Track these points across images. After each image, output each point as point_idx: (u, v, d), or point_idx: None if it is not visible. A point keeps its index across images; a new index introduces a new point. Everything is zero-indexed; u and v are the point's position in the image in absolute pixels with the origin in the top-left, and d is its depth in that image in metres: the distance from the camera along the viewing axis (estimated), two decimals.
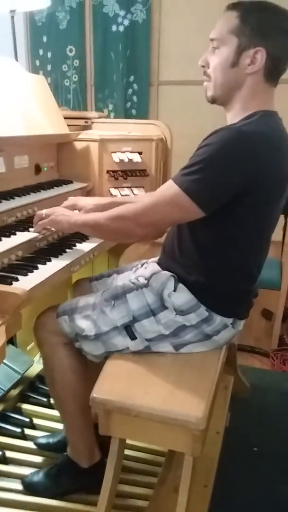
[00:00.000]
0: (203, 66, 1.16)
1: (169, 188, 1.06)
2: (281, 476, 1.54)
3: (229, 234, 1.11)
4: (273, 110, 1.12)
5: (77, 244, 1.41)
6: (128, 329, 1.15)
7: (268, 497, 1.46)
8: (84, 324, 1.18)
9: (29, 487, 1.32)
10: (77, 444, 1.30)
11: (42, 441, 1.48)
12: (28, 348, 1.90)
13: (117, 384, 1.06)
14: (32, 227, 1.35)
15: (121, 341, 1.16)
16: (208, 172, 1.01)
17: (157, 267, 1.25)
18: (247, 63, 1.07)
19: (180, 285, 1.16)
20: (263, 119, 1.07)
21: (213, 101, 1.17)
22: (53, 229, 1.35)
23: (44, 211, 1.31)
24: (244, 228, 1.10)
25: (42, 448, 1.46)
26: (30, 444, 1.50)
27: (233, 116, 1.13)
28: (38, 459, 1.45)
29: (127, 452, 1.42)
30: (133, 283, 1.22)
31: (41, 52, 3.92)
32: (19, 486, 1.34)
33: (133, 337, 1.15)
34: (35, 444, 1.48)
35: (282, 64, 1.09)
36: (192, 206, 1.03)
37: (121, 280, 1.39)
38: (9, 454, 1.45)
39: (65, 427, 1.33)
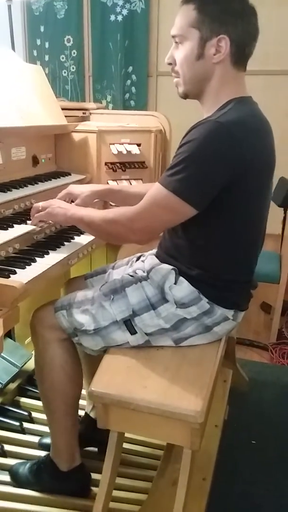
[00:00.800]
0: (170, 64, 1.16)
1: (158, 191, 1.05)
2: (279, 469, 1.55)
3: (222, 226, 1.10)
4: (246, 95, 1.12)
5: (75, 237, 1.40)
6: (128, 324, 1.14)
7: (267, 490, 1.46)
8: (83, 318, 1.17)
9: (14, 477, 1.34)
10: (58, 445, 1.28)
11: (47, 441, 1.47)
12: (26, 341, 1.89)
13: (116, 377, 1.06)
14: (29, 219, 1.34)
15: (120, 335, 1.15)
16: (192, 169, 1.01)
17: (156, 260, 1.24)
18: (212, 52, 1.07)
19: (181, 278, 1.15)
20: (238, 106, 1.06)
21: (185, 96, 1.17)
22: (50, 221, 1.34)
23: (40, 204, 1.29)
24: (236, 218, 1.10)
25: (46, 449, 1.44)
26: (28, 438, 1.50)
27: (208, 108, 1.13)
28: (36, 452, 1.45)
29: (125, 445, 1.41)
30: (131, 276, 1.21)
31: (38, 42, 3.88)
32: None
33: (133, 331, 1.14)
34: (39, 445, 1.48)
35: (247, 48, 1.09)
36: (183, 206, 1.03)
37: (118, 275, 1.38)
38: (7, 447, 1.45)
39: (49, 428, 1.31)
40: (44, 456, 1.34)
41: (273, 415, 1.82)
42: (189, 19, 1.07)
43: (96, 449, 1.44)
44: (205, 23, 1.05)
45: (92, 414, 1.48)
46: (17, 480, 1.33)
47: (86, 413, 1.51)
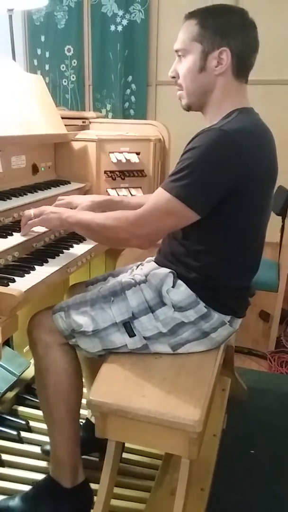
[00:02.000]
0: (173, 77, 1.19)
1: (160, 196, 1.06)
2: (278, 479, 1.54)
3: (222, 232, 1.12)
4: (248, 106, 1.15)
5: (74, 245, 1.40)
6: (127, 326, 1.14)
7: (266, 499, 1.45)
8: (81, 320, 1.16)
9: None
10: (62, 459, 1.21)
11: (48, 448, 1.46)
12: (24, 350, 1.89)
13: (114, 386, 1.06)
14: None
15: (119, 338, 1.15)
16: (196, 175, 1.02)
17: (155, 265, 1.25)
18: (214, 65, 1.10)
19: (179, 282, 1.16)
20: (241, 116, 1.09)
21: (189, 108, 1.20)
22: (41, 230, 1.31)
23: (32, 212, 1.27)
24: (237, 225, 1.11)
25: (49, 455, 1.41)
26: (26, 447, 1.49)
27: (211, 119, 1.16)
28: (34, 462, 1.44)
29: (123, 455, 1.41)
30: (131, 279, 1.21)
31: (39, 51, 3.92)
32: (15, 487, 1.33)
33: (131, 334, 1.14)
34: (42, 451, 1.46)
35: (248, 59, 1.13)
36: (186, 211, 1.04)
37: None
38: (5, 457, 1.44)
39: (51, 441, 1.24)
40: (41, 480, 1.28)
41: (272, 424, 1.81)
42: (192, 33, 1.11)
43: (97, 455, 1.42)
44: (206, 37, 1.09)
45: (94, 420, 1.46)
46: None
47: (87, 419, 1.50)
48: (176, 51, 1.16)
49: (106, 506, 1.10)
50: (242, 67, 1.12)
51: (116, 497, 1.29)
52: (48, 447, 1.45)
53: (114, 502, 1.25)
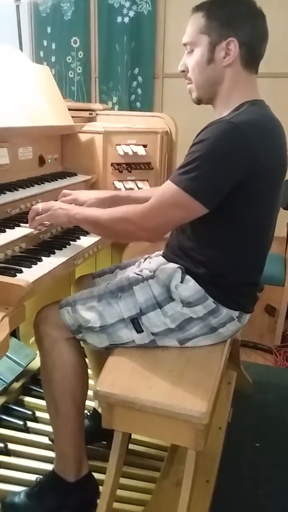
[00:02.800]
0: (183, 71, 1.18)
1: (169, 189, 1.05)
2: (283, 471, 1.54)
3: (231, 226, 1.11)
4: (259, 98, 1.13)
5: (81, 237, 1.40)
6: (135, 322, 1.14)
7: (270, 492, 1.46)
8: (88, 315, 1.16)
9: (10, 509, 1.24)
10: (66, 453, 1.22)
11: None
12: (30, 341, 1.90)
13: (121, 378, 1.06)
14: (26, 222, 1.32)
15: (126, 333, 1.15)
16: (205, 168, 1.01)
17: (163, 259, 1.24)
18: (222, 56, 1.09)
19: (187, 277, 1.15)
20: (251, 109, 1.07)
21: (199, 101, 1.19)
22: (47, 223, 1.31)
23: (40, 206, 1.26)
24: (245, 219, 1.10)
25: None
26: (32, 437, 1.50)
27: (220, 111, 1.14)
28: (40, 451, 1.45)
29: (129, 446, 1.41)
30: (139, 274, 1.21)
31: (45, 43, 3.90)
32: (21, 476, 1.35)
33: (139, 330, 1.14)
34: (50, 439, 1.47)
35: (257, 49, 1.11)
36: (194, 204, 1.03)
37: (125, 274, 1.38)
38: (11, 446, 1.45)
39: (55, 435, 1.24)
40: (44, 475, 1.28)
41: (277, 418, 1.81)
42: (199, 26, 1.10)
43: (102, 444, 1.43)
44: (213, 28, 1.08)
45: (100, 410, 1.46)
46: (15, 510, 1.24)
47: (94, 408, 1.51)
48: (184, 44, 1.15)
49: (112, 496, 1.10)
50: (251, 57, 1.11)
51: (122, 487, 1.30)
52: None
53: (120, 492, 1.26)
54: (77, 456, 1.22)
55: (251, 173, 1.03)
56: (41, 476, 1.30)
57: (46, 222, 1.28)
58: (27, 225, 1.28)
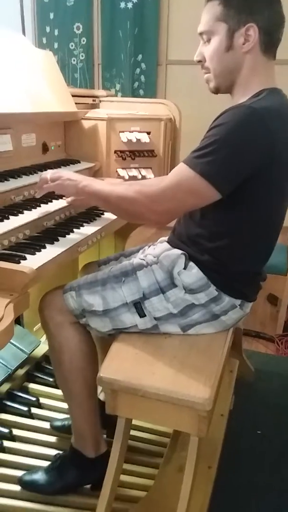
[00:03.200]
0: (199, 61, 1.16)
1: (183, 172, 1.03)
2: (284, 459, 1.55)
3: (242, 214, 1.09)
4: (276, 87, 1.11)
5: (84, 224, 1.40)
6: (138, 306, 1.14)
7: (271, 478, 1.47)
8: (92, 299, 1.17)
9: (30, 485, 1.26)
10: (83, 431, 1.25)
11: (58, 423, 1.49)
12: (35, 328, 1.91)
13: (124, 364, 1.06)
14: (39, 206, 1.34)
15: (129, 318, 1.15)
16: (222, 152, 0.99)
17: (167, 245, 1.24)
18: (242, 42, 1.07)
19: (191, 264, 1.15)
20: (270, 96, 1.06)
21: (217, 91, 1.17)
22: (54, 208, 1.32)
23: (49, 175, 1.26)
24: (256, 208, 1.08)
25: (58, 431, 1.47)
26: (36, 423, 1.52)
27: (238, 99, 1.12)
28: (44, 437, 1.46)
29: (132, 432, 1.43)
30: (142, 259, 1.21)
31: (48, 29, 3.86)
32: (26, 462, 1.36)
33: (142, 314, 1.14)
34: (51, 426, 1.49)
35: (275, 34, 1.09)
36: (209, 190, 1.01)
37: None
38: (16, 432, 1.46)
39: (70, 414, 1.27)
40: (64, 452, 1.32)
41: (278, 405, 1.83)
42: (215, 14, 1.08)
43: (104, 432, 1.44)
44: (231, 15, 1.06)
45: (101, 397, 1.48)
46: (32, 488, 1.26)
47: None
48: (200, 33, 1.13)
49: (116, 481, 1.12)
50: (269, 43, 1.08)
51: (125, 473, 1.32)
52: (57, 423, 1.49)
53: (123, 477, 1.27)
54: (94, 433, 1.25)
55: (267, 161, 1.01)
56: (60, 452, 1.33)
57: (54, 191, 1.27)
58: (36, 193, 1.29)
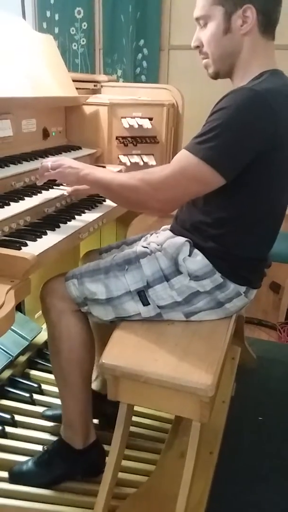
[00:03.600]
0: (197, 47, 1.13)
1: (186, 159, 1.01)
2: (285, 445, 1.56)
3: (245, 200, 1.08)
4: (277, 68, 1.09)
5: (85, 211, 1.39)
6: (141, 295, 1.13)
7: (272, 463, 1.48)
8: (95, 287, 1.16)
9: (18, 477, 1.26)
10: (74, 422, 1.24)
11: (49, 413, 1.49)
12: (36, 315, 1.91)
13: (126, 350, 1.06)
14: (40, 192, 1.33)
15: (133, 306, 1.14)
16: (225, 137, 0.98)
17: (170, 233, 1.23)
18: (239, 24, 1.05)
19: (196, 251, 1.14)
20: (272, 78, 1.04)
21: (216, 76, 1.15)
22: (56, 194, 1.32)
23: (50, 163, 1.24)
24: (261, 193, 1.07)
25: (49, 420, 1.47)
26: (38, 409, 1.52)
27: (239, 82, 1.10)
28: (45, 423, 1.47)
29: (134, 418, 1.43)
30: (145, 247, 1.19)
31: (48, 14, 3.78)
32: (27, 447, 1.37)
33: (145, 303, 1.13)
34: (43, 415, 1.49)
35: (273, 14, 1.07)
36: (213, 175, 1.00)
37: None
38: (18, 417, 1.47)
39: (62, 404, 1.25)
40: (52, 443, 1.31)
41: (280, 392, 1.83)
42: None
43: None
44: None
45: (94, 386, 1.47)
46: (21, 479, 1.26)
47: None
48: (197, 19, 1.10)
49: (117, 466, 1.12)
50: (267, 23, 1.06)
51: (127, 458, 1.32)
52: (48, 412, 1.48)
53: (125, 463, 1.28)
54: (84, 424, 1.24)
55: (270, 144, 0.99)
56: (47, 446, 1.33)
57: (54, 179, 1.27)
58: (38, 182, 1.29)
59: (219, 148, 0.98)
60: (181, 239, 1.16)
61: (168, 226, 1.30)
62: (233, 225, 1.11)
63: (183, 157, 1.02)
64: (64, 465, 1.26)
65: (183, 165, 1.03)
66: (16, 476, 1.27)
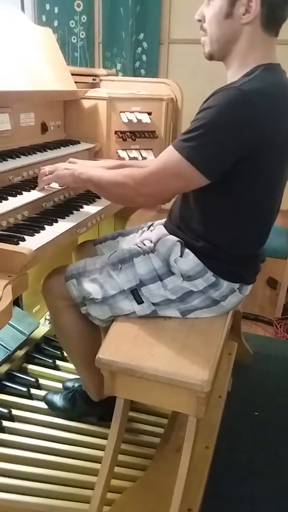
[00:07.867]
0: (199, 21, 1.12)
1: (170, 156, 1.02)
2: (281, 440, 1.57)
3: (235, 198, 1.08)
4: (275, 62, 1.07)
5: (84, 206, 1.38)
6: (135, 293, 1.14)
7: (268, 458, 1.49)
8: (91, 287, 1.17)
9: (50, 404, 1.49)
10: (87, 385, 1.39)
11: (50, 397, 1.52)
12: (34, 310, 1.91)
13: (123, 345, 1.06)
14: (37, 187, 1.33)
15: (127, 305, 1.15)
16: (209, 137, 0.97)
17: (164, 231, 1.23)
18: (242, 12, 1.02)
19: (187, 251, 1.14)
20: (264, 74, 1.01)
21: (210, 57, 1.13)
22: (56, 186, 1.34)
23: (47, 168, 1.30)
24: (251, 191, 1.06)
25: (66, 390, 1.55)
26: (35, 403, 1.53)
27: (233, 72, 1.08)
28: (42, 417, 1.48)
29: (130, 413, 1.44)
30: (139, 247, 1.20)
31: (47, 6, 3.76)
32: (25, 441, 1.38)
33: (139, 301, 1.14)
34: (44, 399, 1.52)
35: (279, 10, 1.03)
36: (195, 174, 1.00)
37: (127, 243, 1.37)
38: (15, 412, 1.48)
39: (77, 370, 1.43)
40: (78, 386, 1.49)
41: (276, 388, 1.84)
42: None
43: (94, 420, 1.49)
44: None
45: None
46: (53, 406, 1.48)
47: (74, 390, 1.52)
48: None
49: (114, 461, 1.13)
50: (271, 18, 1.03)
51: (123, 453, 1.33)
52: (68, 384, 1.60)
53: (121, 457, 1.28)
54: (96, 388, 1.37)
55: (257, 145, 0.98)
56: (76, 385, 1.52)
57: (55, 186, 1.32)
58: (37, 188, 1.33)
59: (201, 148, 0.98)
60: (172, 239, 1.17)
61: (163, 221, 1.30)
62: (223, 223, 1.11)
63: (168, 153, 1.03)
64: (86, 406, 1.45)
65: (166, 161, 1.03)
66: (48, 402, 1.50)
